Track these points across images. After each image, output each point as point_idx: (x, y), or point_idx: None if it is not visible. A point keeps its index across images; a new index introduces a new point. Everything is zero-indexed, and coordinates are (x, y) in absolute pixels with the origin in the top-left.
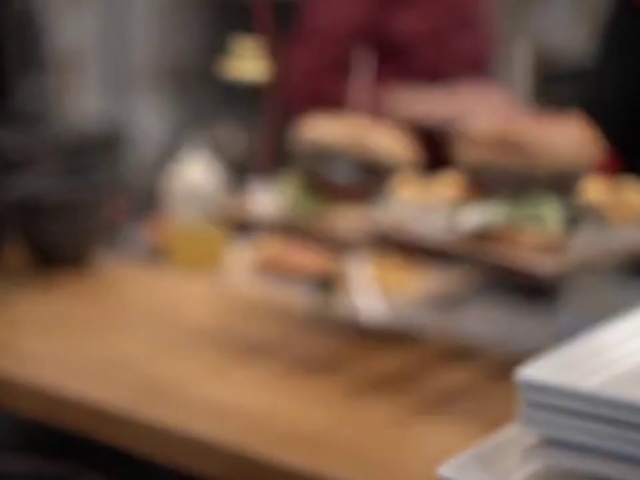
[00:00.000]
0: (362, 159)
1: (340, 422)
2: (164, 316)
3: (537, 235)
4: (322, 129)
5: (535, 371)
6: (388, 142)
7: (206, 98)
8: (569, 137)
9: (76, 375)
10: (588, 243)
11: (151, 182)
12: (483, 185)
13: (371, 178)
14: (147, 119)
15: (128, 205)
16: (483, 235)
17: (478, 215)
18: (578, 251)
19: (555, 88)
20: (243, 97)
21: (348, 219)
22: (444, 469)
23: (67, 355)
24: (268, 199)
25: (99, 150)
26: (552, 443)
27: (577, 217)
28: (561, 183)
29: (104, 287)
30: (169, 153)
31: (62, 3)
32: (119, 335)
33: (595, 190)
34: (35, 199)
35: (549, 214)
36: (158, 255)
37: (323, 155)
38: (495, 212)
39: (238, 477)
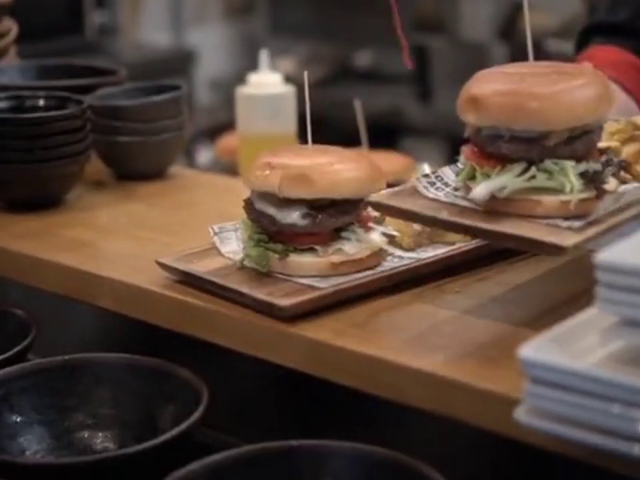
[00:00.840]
0: (315, 198)
1: None
2: (234, 217)
3: (557, 201)
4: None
5: (612, 253)
6: (344, 174)
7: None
8: (583, 92)
9: (153, 272)
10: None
11: (216, 100)
12: (496, 150)
13: (327, 217)
14: (208, 42)
15: (194, 121)
16: (499, 204)
17: (492, 183)
18: (603, 217)
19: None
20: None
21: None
22: (524, 350)
23: (143, 253)
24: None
25: (171, 71)
26: (629, 323)
27: (599, 178)
28: (578, 143)
29: (178, 193)
30: (228, 74)
31: None
32: (194, 235)
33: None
34: (115, 107)
35: (568, 178)
36: (227, 164)
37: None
38: (510, 179)
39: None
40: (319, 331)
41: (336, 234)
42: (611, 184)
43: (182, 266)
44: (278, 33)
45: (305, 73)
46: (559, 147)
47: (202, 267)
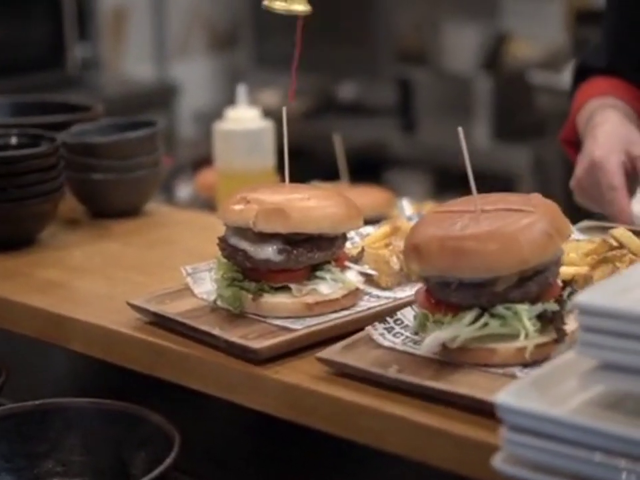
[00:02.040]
0: (290, 234)
1: None
2: (210, 255)
3: (513, 348)
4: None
5: (591, 296)
6: (320, 209)
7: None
8: (529, 233)
9: (126, 314)
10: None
11: (199, 133)
12: (445, 299)
13: (302, 252)
14: (191, 75)
15: (174, 156)
16: (453, 354)
17: (444, 333)
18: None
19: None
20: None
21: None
22: (502, 395)
23: (116, 294)
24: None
25: (154, 104)
26: (609, 367)
27: (558, 319)
28: (531, 285)
29: (153, 232)
30: (212, 107)
31: None
32: (169, 275)
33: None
34: (89, 144)
35: (522, 322)
36: (206, 200)
37: (249, 233)
38: (462, 328)
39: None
40: (294, 374)
41: (311, 273)
42: (574, 323)
43: (153, 307)
44: (262, 66)
45: (284, 109)
46: (509, 291)
47: (174, 308)
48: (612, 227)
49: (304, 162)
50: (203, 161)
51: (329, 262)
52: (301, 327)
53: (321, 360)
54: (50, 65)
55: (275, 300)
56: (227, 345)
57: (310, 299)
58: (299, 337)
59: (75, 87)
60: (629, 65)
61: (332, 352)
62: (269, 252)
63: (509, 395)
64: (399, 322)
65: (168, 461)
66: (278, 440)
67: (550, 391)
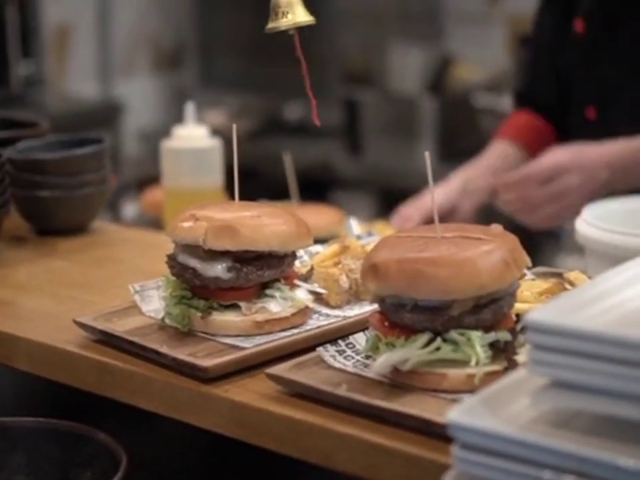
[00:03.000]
0: (240, 251)
1: None
2: (158, 273)
3: (463, 374)
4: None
5: (542, 314)
6: (270, 227)
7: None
8: (488, 259)
9: (72, 332)
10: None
11: (144, 152)
12: (399, 320)
13: (252, 270)
14: (136, 94)
15: (121, 173)
16: (403, 377)
17: (395, 355)
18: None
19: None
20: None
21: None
22: (453, 414)
23: (62, 312)
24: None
25: (99, 122)
26: (559, 385)
27: (510, 349)
28: (486, 312)
29: (100, 249)
30: (157, 126)
31: None
32: (116, 293)
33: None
34: (35, 161)
35: (474, 349)
36: (152, 218)
37: (198, 250)
38: (414, 351)
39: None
40: (243, 392)
41: (261, 291)
42: (525, 355)
43: (100, 325)
44: (208, 85)
45: (234, 127)
46: (464, 317)
47: (121, 326)
48: (566, 272)
49: (250, 182)
50: (148, 179)
51: (278, 280)
52: (251, 345)
53: (270, 376)
54: None
55: (223, 318)
56: (175, 363)
57: (259, 317)
58: (248, 355)
59: (19, 104)
60: (534, 103)
61: (281, 369)
62: (218, 270)
63: (460, 412)
64: (350, 345)
65: None
66: (227, 459)
67: (501, 409)
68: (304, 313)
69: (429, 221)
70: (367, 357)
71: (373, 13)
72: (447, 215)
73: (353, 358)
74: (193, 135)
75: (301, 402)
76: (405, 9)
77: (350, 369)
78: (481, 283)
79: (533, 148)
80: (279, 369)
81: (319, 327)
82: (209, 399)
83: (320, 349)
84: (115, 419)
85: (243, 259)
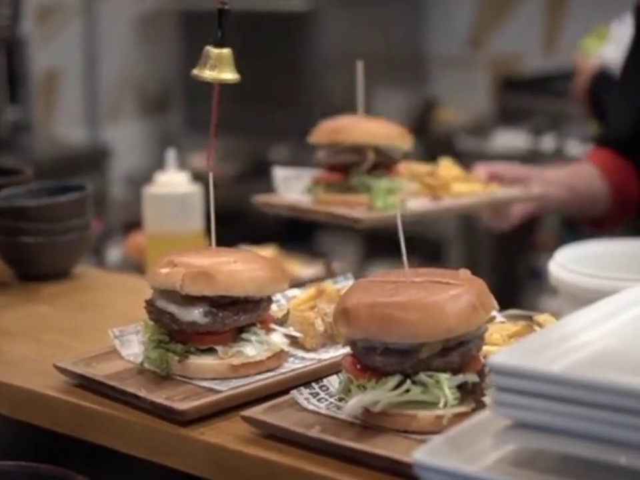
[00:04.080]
0: (216, 296)
1: None
2: (139, 318)
3: (432, 416)
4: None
5: (504, 356)
6: (245, 273)
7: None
8: (455, 303)
9: (52, 376)
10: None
11: (130, 196)
12: (370, 363)
13: (228, 315)
14: (123, 138)
15: (105, 218)
16: (374, 418)
17: (366, 397)
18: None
19: (515, 95)
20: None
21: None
22: (418, 454)
23: (43, 357)
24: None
25: (86, 167)
26: (522, 425)
27: (478, 391)
28: (454, 355)
29: (82, 294)
30: (144, 170)
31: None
32: (98, 338)
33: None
34: (18, 208)
35: (443, 391)
36: (136, 263)
37: (176, 295)
38: (384, 393)
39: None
40: (219, 435)
41: (237, 335)
42: None
43: (80, 369)
44: (193, 129)
45: (210, 174)
46: (433, 359)
47: (101, 371)
48: (536, 315)
49: (235, 225)
50: (134, 223)
51: (254, 324)
52: (226, 388)
53: (244, 418)
54: None
55: (200, 362)
56: (152, 407)
57: (235, 361)
58: (223, 398)
59: (6, 149)
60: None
61: (256, 412)
62: (195, 314)
63: (424, 452)
64: (324, 388)
65: None
66: None
67: (466, 449)
68: (279, 356)
69: (493, 178)
70: (340, 399)
71: (357, 56)
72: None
73: (326, 400)
74: (174, 181)
75: (275, 444)
76: (389, 54)
77: (323, 411)
78: (448, 327)
79: (613, 178)
80: (254, 412)
81: (293, 370)
82: (186, 441)
83: (294, 392)
84: (94, 462)
85: (220, 303)
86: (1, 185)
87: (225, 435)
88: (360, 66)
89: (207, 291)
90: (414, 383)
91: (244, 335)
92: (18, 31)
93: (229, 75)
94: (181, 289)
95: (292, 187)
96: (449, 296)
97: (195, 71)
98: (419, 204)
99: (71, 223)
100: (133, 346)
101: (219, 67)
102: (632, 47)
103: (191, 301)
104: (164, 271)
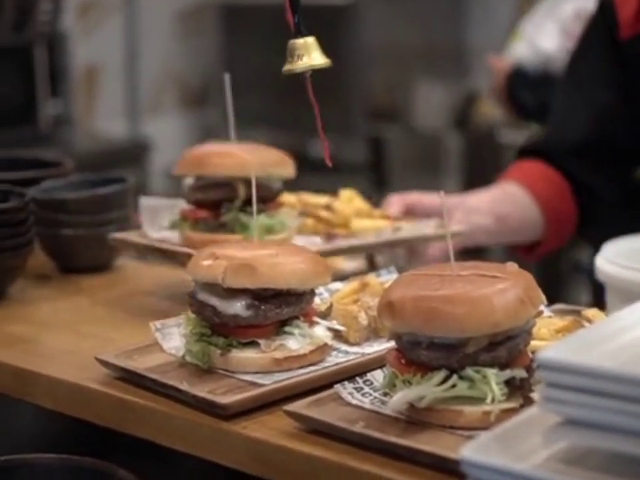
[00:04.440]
0: (258, 289)
1: None
2: (179, 310)
3: (479, 411)
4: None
5: (554, 352)
6: (288, 265)
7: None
8: (503, 297)
9: (93, 369)
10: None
11: (170, 190)
12: (415, 358)
13: (271, 308)
14: (163, 132)
15: None
16: (420, 414)
17: (411, 392)
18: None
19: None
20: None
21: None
22: (466, 450)
23: (84, 350)
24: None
25: (126, 161)
26: (572, 423)
27: (526, 386)
28: (501, 350)
29: (123, 287)
30: None
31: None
32: (137, 330)
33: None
34: (58, 200)
35: (490, 386)
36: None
37: (218, 288)
38: (430, 388)
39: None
40: (262, 429)
41: (279, 328)
42: None
43: (122, 362)
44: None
45: (252, 173)
46: (479, 354)
47: (142, 364)
48: (585, 310)
49: None
50: None
51: (297, 317)
52: (269, 382)
53: (288, 413)
54: (22, 121)
55: (243, 355)
56: (194, 400)
57: (278, 354)
58: (267, 392)
59: (47, 143)
60: (563, 148)
61: (299, 406)
62: (237, 307)
63: (473, 449)
64: (368, 382)
65: None
66: None
67: (514, 446)
68: (322, 350)
69: (407, 211)
70: (384, 394)
71: (398, 50)
72: (435, 218)
73: (370, 395)
74: None
75: (318, 438)
76: (430, 46)
77: (367, 406)
78: (495, 321)
79: (544, 199)
80: (297, 406)
81: (337, 364)
82: (228, 435)
83: (337, 386)
84: (136, 456)
85: (262, 296)
86: (42, 177)
87: (267, 429)
88: (227, 79)
89: (249, 284)
90: (460, 378)
91: (287, 329)
92: (59, 25)
93: (320, 59)
94: (222, 281)
95: (159, 221)
96: (496, 289)
97: (286, 67)
98: (307, 243)
99: (111, 215)
100: (175, 339)
101: (307, 55)
102: (592, 43)
103: (233, 293)
104: (206, 263)
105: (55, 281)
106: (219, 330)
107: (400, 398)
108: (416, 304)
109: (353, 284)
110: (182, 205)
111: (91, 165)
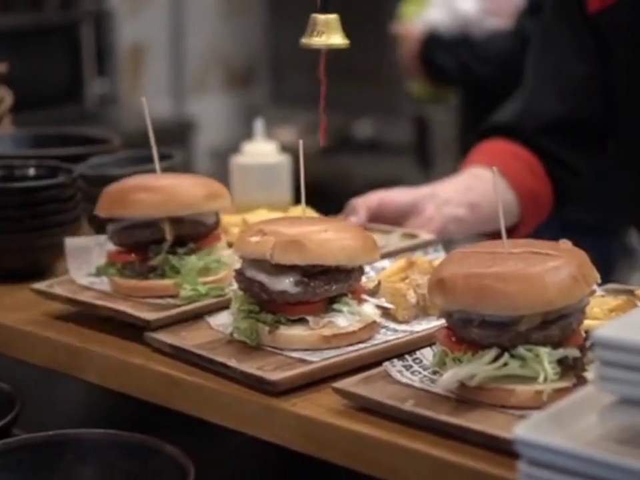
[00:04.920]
0: (307, 266)
1: None
2: None
3: (532, 391)
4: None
5: (609, 330)
6: (337, 242)
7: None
8: (556, 275)
9: (141, 344)
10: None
11: (215, 169)
12: (466, 336)
13: (319, 284)
14: (208, 112)
15: None
16: (470, 393)
17: (462, 370)
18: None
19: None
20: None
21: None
22: (520, 429)
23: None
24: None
25: (171, 139)
26: (628, 402)
27: (579, 366)
28: (554, 328)
29: None
30: (228, 143)
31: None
32: None
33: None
34: (106, 176)
35: (542, 365)
36: None
37: (266, 265)
38: (481, 366)
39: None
40: (310, 406)
41: (328, 305)
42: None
43: (170, 339)
44: (278, 103)
45: (300, 142)
46: (532, 333)
47: (191, 340)
48: (638, 290)
49: (319, 199)
50: None
51: (345, 294)
52: (318, 359)
53: (336, 391)
54: (68, 100)
55: (291, 332)
56: (243, 377)
57: (327, 332)
58: (316, 369)
59: (93, 122)
60: (535, 124)
61: (348, 384)
62: (285, 284)
63: (526, 428)
64: (417, 361)
65: None
66: (292, 473)
67: (568, 425)
68: (371, 327)
69: (373, 218)
70: (434, 373)
71: None
72: (406, 215)
73: (419, 373)
74: (262, 151)
75: (367, 416)
76: None
77: (417, 384)
78: (549, 299)
79: (518, 181)
80: (346, 383)
81: (386, 342)
82: (276, 412)
83: (387, 364)
84: (183, 432)
85: (310, 273)
86: (89, 153)
87: (315, 406)
88: (144, 102)
89: (298, 260)
90: (512, 356)
91: (335, 306)
92: (106, 4)
93: (338, 39)
94: (271, 257)
95: (86, 265)
96: (550, 267)
97: (303, 40)
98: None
99: None
100: (223, 316)
101: (327, 33)
102: (563, 14)
103: (281, 270)
104: (254, 239)
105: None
106: (267, 307)
107: (451, 376)
108: (467, 281)
109: (400, 262)
110: (109, 244)
111: (136, 143)
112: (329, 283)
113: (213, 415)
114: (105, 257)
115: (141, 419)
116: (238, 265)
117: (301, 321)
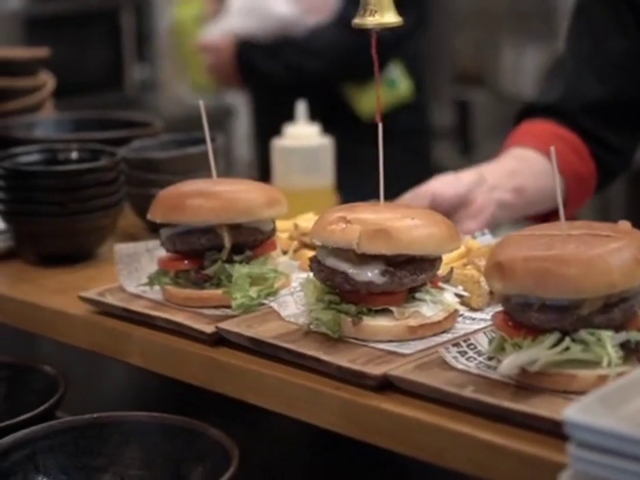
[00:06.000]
0: (394, 254)
1: None
2: None
3: (594, 375)
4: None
5: None
6: (423, 230)
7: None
8: (618, 256)
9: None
10: None
11: (254, 155)
12: (526, 320)
13: (405, 274)
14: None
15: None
16: (531, 378)
17: (523, 356)
18: None
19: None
20: None
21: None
22: (569, 411)
23: None
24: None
25: (211, 125)
26: None
27: (639, 350)
28: (616, 311)
29: None
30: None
31: None
32: None
33: None
34: (149, 159)
35: (606, 349)
36: None
37: (349, 254)
38: (542, 351)
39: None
40: (353, 389)
41: (409, 295)
42: None
43: (246, 331)
44: None
45: (380, 125)
46: (594, 316)
47: (266, 332)
48: None
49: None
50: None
51: (425, 283)
52: (411, 351)
53: (392, 378)
54: (109, 86)
55: (375, 323)
56: (338, 372)
57: (413, 322)
58: (411, 362)
59: (133, 107)
60: (578, 105)
61: (405, 371)
62: (371, 274)
63: (576, 410)
64: (472, 347)
65: (226, 475)
66: (337, 456)
67: (619, 408)
68: (453, 316)
69: (449, 204)
70: (489, 358)
71: (485, 12)
72: (457, 207)
73: (475, 359)
74: (304, 134)
75: (412, 399)
76: (518, 8)
77: (473, 370)
78: (612, 281)
79: (562, 163)
80: (402, 371)
81: (474, 331)
82: (320, 395)
83: (442, 350)
84: (227, 415)
85: (395, 262)
86: (132, 137)
87: (359, 389)
88: (202, 104)
89: (385, 250)
90: (573, 340)
91: (418, 295)
92: None
93: (391, 18)
94: (357, 247)
95: (135, 272)
96: (611, 249)
97: (356, 20)
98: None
99: (201, 174)
100: (290, 306)
101: (380, 12)
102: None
103: (365, 259)
104: (338, 227)
105: (145, 241)
106: (348, 297)
107: (511, 362)
108: (527, 264)
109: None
110: (160, 250)
111: (175, 129)
112: (415, 272)
113: (256, 398)
114: (155, 264)
115: (185, 402)
116: (295, 274)
117: (384, 311)
